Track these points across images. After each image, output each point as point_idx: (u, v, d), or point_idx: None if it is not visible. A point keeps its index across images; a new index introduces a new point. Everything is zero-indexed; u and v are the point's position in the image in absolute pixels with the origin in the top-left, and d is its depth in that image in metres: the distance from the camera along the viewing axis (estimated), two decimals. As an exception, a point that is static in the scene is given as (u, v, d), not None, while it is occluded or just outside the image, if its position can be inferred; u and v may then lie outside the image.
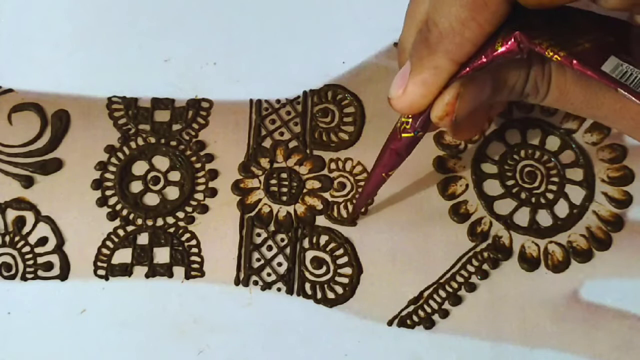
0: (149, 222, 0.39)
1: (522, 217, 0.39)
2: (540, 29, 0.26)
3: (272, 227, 0.38)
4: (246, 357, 0.36)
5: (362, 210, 0.38)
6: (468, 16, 0.25)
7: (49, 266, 0.37)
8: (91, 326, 0.36)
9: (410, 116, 0.29)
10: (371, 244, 0.38)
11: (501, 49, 0.26)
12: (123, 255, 0.38)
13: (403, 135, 0.30)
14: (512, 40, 0.25)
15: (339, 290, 0.37)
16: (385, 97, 0.40)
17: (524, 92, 0.29)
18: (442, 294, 0.37)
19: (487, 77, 0.28)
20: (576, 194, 0.39)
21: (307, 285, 0.37)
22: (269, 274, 0.37)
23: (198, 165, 0.40)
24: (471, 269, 0.37)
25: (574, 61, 0.25)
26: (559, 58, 0.25)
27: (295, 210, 0.39)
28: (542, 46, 0.25)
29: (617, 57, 0.26)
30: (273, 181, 0.39)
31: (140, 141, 0.40)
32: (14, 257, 0.38)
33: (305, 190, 0.39)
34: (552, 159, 0.40)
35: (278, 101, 0.41)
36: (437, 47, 0.26)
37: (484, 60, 0.26)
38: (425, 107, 0.28)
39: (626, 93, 0.26)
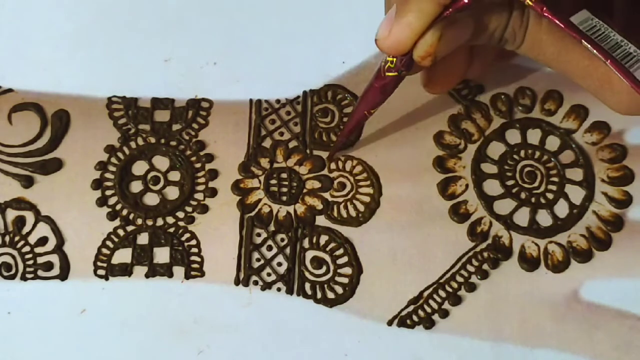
0: (149, 222, 0.38)
1: (522, 217, 0.39)
2: None
3: (272, 227, 0.38)
4: (246, 357, 0.36)
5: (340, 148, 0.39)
6: None
7: (49, 266, 0.37)
8: (91, 326, 0.36)
9: (394, 59, 0.31)
10: (371, 244, 0.38)
11: None
12: (123, 255, 0.38)
13: (387, 74, 0.31)
14: None
15: (339, 290, 0.37)
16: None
17: (503, 38, 0.31)
18: (442, 293, 0.37)
19: (470, 21, 0.30)
20: (576, 194, 0.39)
21: (307, 285, 0.37)
22: (269, 274, 0.37)
23: (198, 165, 0.40)
24: (471, 268, 0.37)
25: (544, 7, 0.27)
26: (530, 2, 0.27)
27: (295, 210, 0.39)
28: None
29: (592, 12, 0.28)
30: (273, 181, 0.39)
31: (140, 141, 0.40)
32: (14, 257, 0.38)
33: (305, 190, 0.39)
34: (552, 159, 0.40)
35: (278, 101, 0.41)
36: None
37: (466, 1, 0.27)
38: (410, 48, 0.29)
39: (589, 46, 0.28)
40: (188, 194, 0.39)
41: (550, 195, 0.39)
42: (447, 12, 0.28)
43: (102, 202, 0.39)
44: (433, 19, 0.28)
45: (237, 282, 0.37)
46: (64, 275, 0.37)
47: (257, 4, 0.44)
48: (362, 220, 0.38)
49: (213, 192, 0.39)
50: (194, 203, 0.39)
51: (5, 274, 0.37)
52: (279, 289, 0.37)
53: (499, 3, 0.29)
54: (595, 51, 0.28)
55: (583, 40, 0.27)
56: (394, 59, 0.31)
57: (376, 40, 0.30)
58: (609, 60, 0.28)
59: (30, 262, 0.38)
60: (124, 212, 0.39)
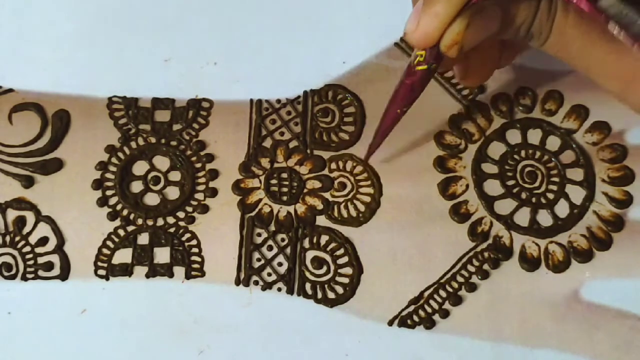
0: (150, 222, 0.38)
1: (522, 217, 0.39)
2: None
3: (272, 227, 0.38)
4: (246, 357, 0.36)
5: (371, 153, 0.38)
6: None
7: (49, 266, 0.37)
8: (91, 326, 0.36)
9: (424, 50, 0.30)
10: (371, 244, 0.38)
11: None
12: (123, 255, 0.38)
13: (417, 68, 0.31)
14: None
15: (340, 290, 0.37)
16: (386, 97, 0.40)
17: (530, 32, 0.31)
18: (443, 294, 0.37)
19: (497, 10, 0.29)
20: (577, 194, 0.39)
21: (308, 285, 0.37)
22: (269, 274, 0.37)
23: (198, 165, 0.40)
24: (471, 269, 0.37)
25: None
26: None
27: (295, 210, 0.39)
28: None
29: None
30: (273, 181, 0.39)
31: (140, 141, 0.40)
32: (14, 257, 0.38)
33: (305, 190, 0.39)
34: (553, 159, 0.40)
35: (278, 101, 0.41)
36: None
37: None
38: (438, 39, 0.29)
39: (617, 29, 0.27)
40: (188, 194, 0.39)
41: (550, 195, 0.39)
42: (474, 0, 0.28)
43: (102, 202, 0.39)
44: (460, 7, 0.28)
45: (237, 282, 0.37)
46: (64, 275, 0.37)
47: (257, 4, 0.44)
48: (363, 220, 0.38)
49: (213, 192, 0.39)
50: (195, 203, 0.39)
51: (6, 274, 0.37)
52: (279, 289, 0.37)
53: None
54: (622, 35, 0.27)
55: (611, 23, 0.27)
56: (424, 52, 0.30)
57: (405, 34, 0.30)
58: (636, 45, 0.27)
59: (31, 262, 0.38)
60: (125, 212, 0.39)
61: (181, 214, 0.39)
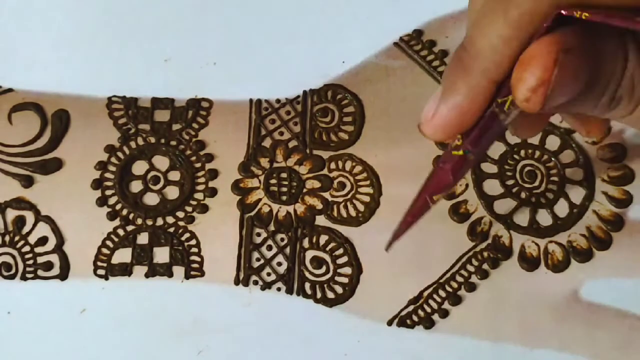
0: (149, 222, 0.39)
1: (522, 217, 0.38)
2: None
3: (272, 227, 0.38)
4: (246, 357, 0.36)
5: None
6: (511, 34, 0.22)
7: (48, 266, 0.38)
8: (91, 326, 0.36)
9: (460, 135, 0.26)
10: (371, 243, 0.38)
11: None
12: (123, 255, 0.38)
13: (453, 153, 0.26)
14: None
15: (339, 290, 0.37)
16: (385, 96, 0.40)
17: (617, 94, 0.24)
18: (442, 293, 0.37)
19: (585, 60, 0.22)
20: (576, 194, 0.39)
21: (307, 285, 0.37)
22: (268, 274, 0.37)
23: (198, 165, 0.40)
24: (471, 268, 0.37)
25: (604, 15, 0.21)
26: (587, 15, 0.21)
27: (295, 210, 0.39)
28: (576, 12, 0.21)
29: None
30: (273, 181, 0.39)
31: (140, 141, 0.40)
32: (13, 256, 0.38)
33: (305, 190, 0.39)
34: (552, 159, 0.40)
35: (278, 101, 0.41)
36: (473, 67, 0.23)
37: (564, 12, 0.22)
38: (458, 131, 0.25)
39: None
40: (188, 194, 0.39)
41: (550, 195, 0.39)
42: (545, 24, 0.22)
43: (102, 201, 0.39)
44: (487, 99, 0.24)
45: (237, 281, 0.37)
46: (63, 275, 0.37)
47: (257, 4, 0.44)
48: (362, 220, 0.38)
49: (213, 192, 0.39)
50: (194, 203, 0.39)
51: (5, 273, 0.37)
52: (278, 289, 0.37)
53: (613, 50, 0.23)
54: None
55: None
56: (460, 136, 0.26)
57: (418, 125, 0.26)
58: None
59: (30, 261, 0.38)
60: (124, 211, 0.39)
61: (181, 214, 0.39)
